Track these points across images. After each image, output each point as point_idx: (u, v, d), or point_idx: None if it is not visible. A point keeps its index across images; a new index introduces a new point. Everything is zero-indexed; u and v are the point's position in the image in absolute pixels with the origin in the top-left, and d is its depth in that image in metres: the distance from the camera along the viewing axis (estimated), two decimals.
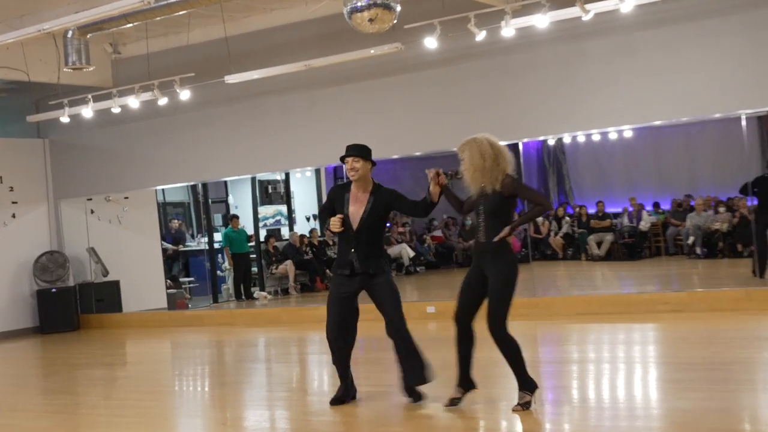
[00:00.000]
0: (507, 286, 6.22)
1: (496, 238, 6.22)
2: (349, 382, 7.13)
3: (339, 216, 6.90)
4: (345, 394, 7.07)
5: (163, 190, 18.44)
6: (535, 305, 12.12)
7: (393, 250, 19.21)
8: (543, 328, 11.31)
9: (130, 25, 11.07)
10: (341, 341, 6.99)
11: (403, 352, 6.86)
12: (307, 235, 18.64)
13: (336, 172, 21.90)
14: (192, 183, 17.43)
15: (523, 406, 6.26)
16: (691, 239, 17.59)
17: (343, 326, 6.95)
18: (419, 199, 6.81)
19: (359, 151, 6.89)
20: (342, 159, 6.96)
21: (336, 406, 7.04)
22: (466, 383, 6.53)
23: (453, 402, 6.50)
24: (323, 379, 9.16)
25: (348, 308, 6.96)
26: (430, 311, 12.78)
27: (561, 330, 11.10)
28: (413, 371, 6.82)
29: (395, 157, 13.43)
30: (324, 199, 20.37)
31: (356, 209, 6.93)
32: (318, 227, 19.79)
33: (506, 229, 6.23)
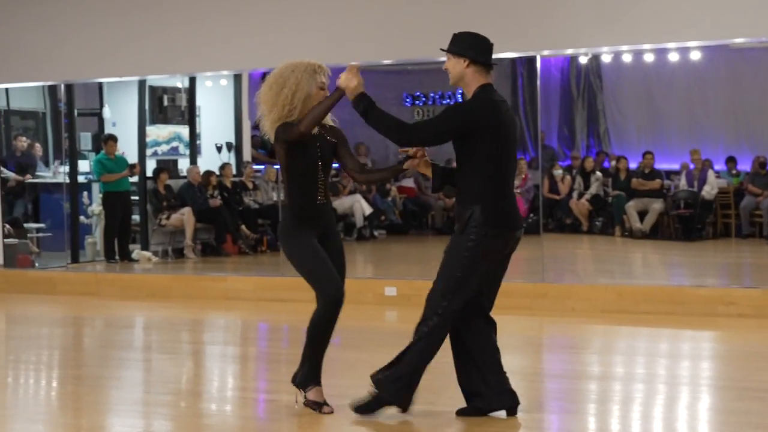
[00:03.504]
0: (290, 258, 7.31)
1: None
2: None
3: None
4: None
5: (6, 90, 18.22)
6: (543, 294, 12.19)
7: (342, 204, 19.22)
8: (552, 328, 11.38)
9: None
10: None
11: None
12: (217, 173, 18.58)
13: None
14: (50, 83, 17.23)
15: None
16: None
17: None
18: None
19: (451, 44, 6.99)
20: None
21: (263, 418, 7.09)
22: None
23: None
24: (225, 380, 9.20)
25: None
26: (390, 294, 12.83)
27: (578, 331, 11.18)
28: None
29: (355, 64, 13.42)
30: (246, 120, 20.36)
31: None
32: (233, 162, 19.71)
33: None
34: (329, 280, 7.06)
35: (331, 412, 7.16)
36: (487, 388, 6.97)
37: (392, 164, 7.55)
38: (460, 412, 7.07)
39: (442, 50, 6.97)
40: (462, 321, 6.94)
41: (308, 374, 7.27)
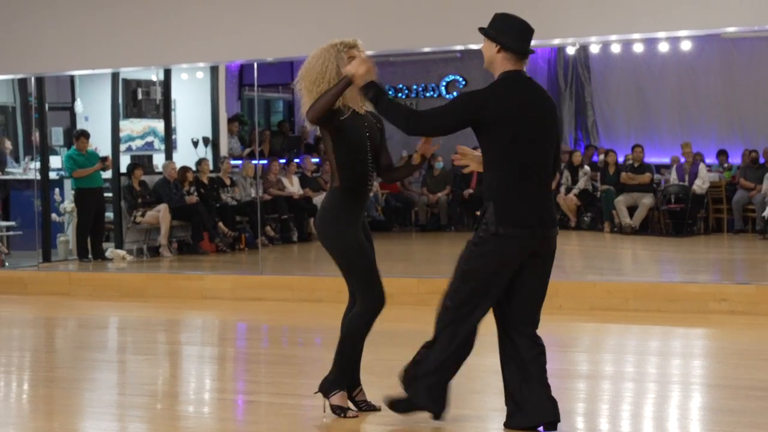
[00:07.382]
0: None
1: None
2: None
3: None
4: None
5: None
6: None
7: (320, 200, 19.25)
8: (539, 326, 11.40)
9: None
10: None
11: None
12: (193, 169, 18.58)
13: (242, 74, 21.79)
14: (20, 76, 17.20)
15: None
16: (767, 211, 17.83)
17: None
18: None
19: (489, 25, 6.84)
20: None
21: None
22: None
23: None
24: (203, 381, 9.19)
25: None
26: None
27: (566, 329, 11.18)
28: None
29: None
30: (223, 114, 20.34)
31: None
32: (210, 157, 19.70)
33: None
34: (378, 285, 7.09)
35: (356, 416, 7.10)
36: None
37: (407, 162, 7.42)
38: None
39: (480, 30, 6.77)
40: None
41: (336, 379, 7.12)
